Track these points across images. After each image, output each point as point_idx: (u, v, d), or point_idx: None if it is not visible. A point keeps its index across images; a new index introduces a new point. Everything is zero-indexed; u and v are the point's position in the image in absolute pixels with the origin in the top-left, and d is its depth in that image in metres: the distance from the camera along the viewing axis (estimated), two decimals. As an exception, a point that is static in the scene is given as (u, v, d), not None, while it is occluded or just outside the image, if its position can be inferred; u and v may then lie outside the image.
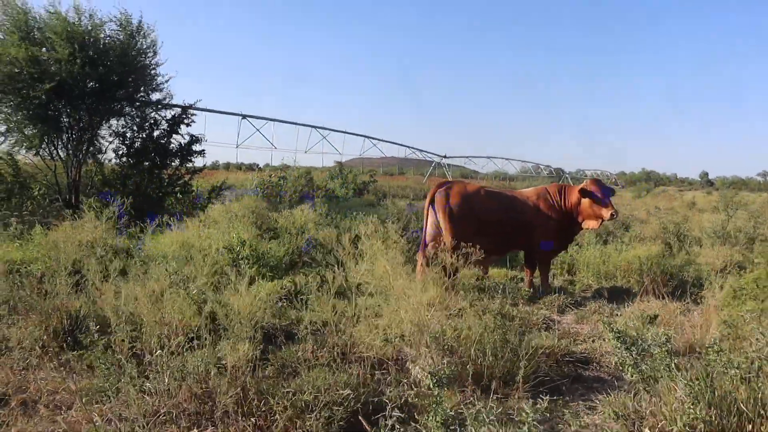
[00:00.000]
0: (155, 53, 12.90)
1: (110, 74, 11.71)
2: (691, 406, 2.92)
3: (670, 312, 6.08)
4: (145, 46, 12.63)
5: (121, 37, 12.22)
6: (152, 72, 12.98)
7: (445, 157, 58.33)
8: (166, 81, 13.27)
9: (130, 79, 12.33)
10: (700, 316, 5.78)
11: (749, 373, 3.12)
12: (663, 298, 6.82)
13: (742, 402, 2.99)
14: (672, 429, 2.94)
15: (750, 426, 2.91)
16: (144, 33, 12.56)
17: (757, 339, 3.31)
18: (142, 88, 12.90)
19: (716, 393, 3.02)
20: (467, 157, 68.42)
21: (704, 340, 4.59)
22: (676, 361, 3.37)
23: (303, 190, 17.42)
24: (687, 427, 2.91)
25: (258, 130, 37.48)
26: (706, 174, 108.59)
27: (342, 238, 5.79)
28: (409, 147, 56.05)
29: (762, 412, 2.91)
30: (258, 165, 51.91)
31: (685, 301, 6.93)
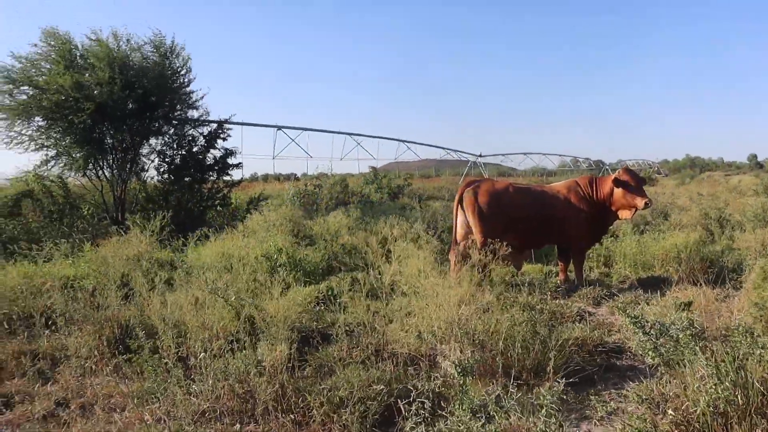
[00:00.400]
0: (188, 71, 13.36)
1: (148, 95, 12.17)
2: (714, 386, 2.98)
3: (708, 298, 6.04)
4: (177, 66, 13.09)
5: (156, 58, 12.70)
6: (187, 90, 13.45)
7: (480, 156, 57.88)
8: (201, 98, 13.73)
9: (167, 99, 12.79)
10: (738, 302, 5.75)
11: (776, 353, 3.16)
12: (701, 285, 6.76)
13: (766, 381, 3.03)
14: (696, 410, 3.01)
15: (775, 404, 2.96)
16: (177, 53, 13.02)
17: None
18: (178, 107, 13.35)
19: (740, 373, 3.07)
20: (503, 154, 67.66)
21: (733, 324, 4.59)
22: (702, 344, 3.43)
23: (339, 197, 17.68)
24: (711, 407, 2.97)
25: (293, 140, 37.94)
26: (755, 156, 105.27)
27: (370, 240, 5.97)
28: (443, 148, 55.78)
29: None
30: (295, 175, 52.54)
31: (725, 287, 6.88)
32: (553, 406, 2.71)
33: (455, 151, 56.92)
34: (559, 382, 2.98)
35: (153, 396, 3.81)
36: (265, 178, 51.92)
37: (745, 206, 11.91)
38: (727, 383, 3.01)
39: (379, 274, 5.42)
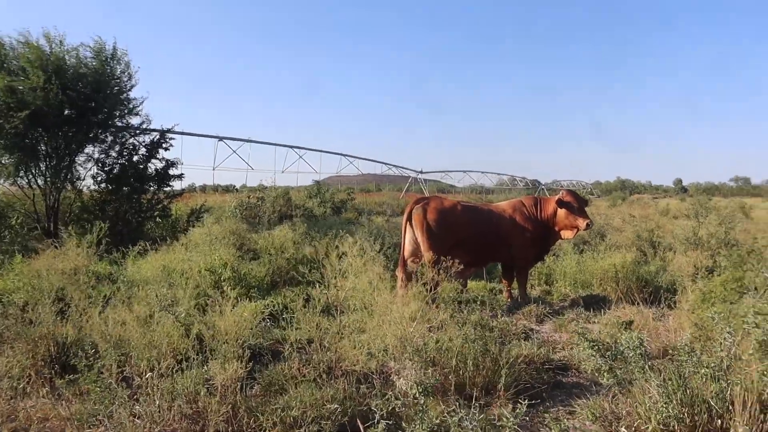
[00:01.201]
0: (130, 77, 12.97)
1: (86, 100, 11.74)
2: (664, 405, 3.07)
3: (645, 318, 6.25)
4: (119, 71, 12.68)
5: (95, 63, 12.26)
6: (128, 96, 13.02)
7: (421, 172, 58.64)
8: (141, 103, 13.33)
9: (106, 105, 12.34)
10: (674, 321, 5.98)
11: (718, 372, 3.28)
12: (638, 304, 6.99)
13: (711, 399, 3.15)
14: (647, 427, 3.09)
15: (719, 421, 3.07)
16: (118, 59, 12.61)
17: (724, 339, 3.47)
18: (117, 114, 12.89)
19: (688, 392, 3.18)
20: (443, 171, 68.98)
21: (677, 343, 4.75)
22: (650, 363, 3.53)
23: (281, 210, 17.47)
24: (661, 425, 3.07)
25: (234, 151, 37.53)
26: (680, 181, 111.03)
27: (320, 255, 5.90)
28: (385, 164, 56.31)
29: (730, 407, 3.07)
30: (235, 187, 51.79)
31: (659, 306, 7.15)
32: (517, 429, 2.73)
33: (396, 166, 57.47)
34: (521, 403, 3.00)
35: (95, 418, 3.62)
36: (204, 189, 50.93)
37: (676, 229, 12.43)
38: (675, 402, 3.11)
39: (329, 289, 5.35)
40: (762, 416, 2.99)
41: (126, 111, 13.10)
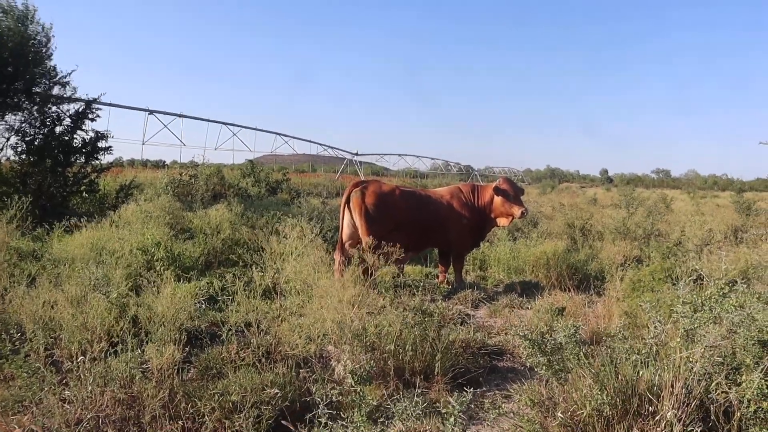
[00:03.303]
0: (48, 40, 12.21)
1: (3, 65, 11.03)
2: (598, 392, 3.19)
3: (576, 304, 6.48)
4: (34, 33, 11.92)
5: (10, 23, 11.47)
6: (49, 62, 12.27)
7: (357, 154, 58.49)
8: (68, 74, 12.61)
9: (27, 72, 11.59)
10: (603, 308, 6.22)
11: (648, 358, 3.43)
12: (569, 291, 7.24)
13: (642, 385, 3.29)
14: (582, 413, 3.20)
15: (649, 406, 3.21)
16: (32, 19, 11.85)
17: (654, 327, 3.63)
18: (38, 81, 12.14)
19: (620, 378, 3.31)
20: (379, 154, 68.96)
21: (608, 330, 4.95)
22: (584, 350, 3.65)
23: (215, 189, 17.05)
24: (595, 411, 3.18)
25: (166, 126, 36.19)
26: (606, 171, 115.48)
27: (259, 238, 5.81)
28: (320, 144, 55.78)
29: (659, 392, 3.21)
30: (165, 162, 50.24)
31: (589, 293, 7.43)
32: (462, 415, 2.77)
33: (332, 147, 57.07)
34: (467, 391, 3.05)
35: (20, 405, 3.44)
36: (132, 163, 49.18)
37: (605, 219, 12.92)
38: (608, 389, 3.24)
39: (266, 272, 5.28)
40: (687, 399, 3.14)
41: (49, 79, 12.36)
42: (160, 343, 3.91)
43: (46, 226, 8.66)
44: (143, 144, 34.53)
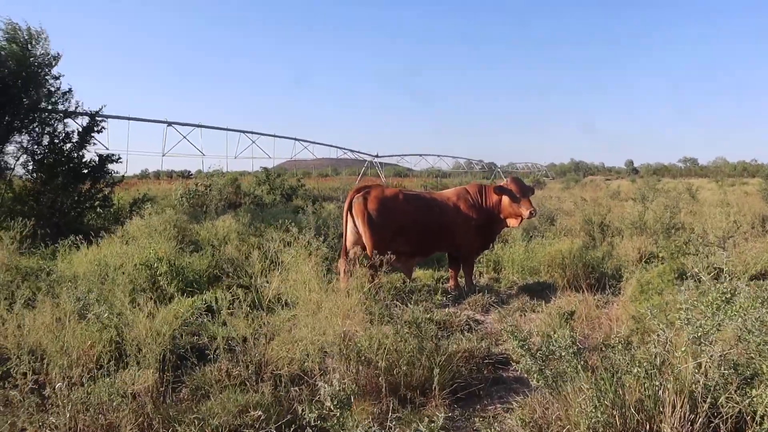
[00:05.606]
0: (55, 58, 12.27)
1: (8, 88, 11.09)
2: (593, 410, 2.94)
3: (588, 306, 6.18)
4: (38, 53, 11.97)
5: (14, 48, 11.54)
6: (53, 82, 12.37)
7: (377, 156, 58.32)
8: (68, 91, 12.67)
9: (31, 93, 11.68)
10: (616, 310, 5.93)
11: (652, 369, 3.16)
12: (583, 291, 6.93)
13: (644, 400, 3.03)
14: (576, 432, 2.96)
15: (650, 423, 2.96)
16: (36, 40, 11.89)
17: (657, 335, 3.36)
18: (44, 99, 12.20)
19: (619, 393, 3.05)
20: (400, 155, 68.76)
21: (614, 336, 4.66)
22: (585, 360, 3.40)
23: (230, 198, 17.00)
24: (590, 430, 2.93)
25: (185, 137, 36.50)
26: (632, 162, 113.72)
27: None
28: (340, 148, 55.75)
29: (661, 408, 2.96)
30: (189, 172, 50.71)
31: (604, 293, 7.10)
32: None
33: (352, 151, 57.05)
34: (438, 416, 2.81)
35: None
36: (158, 175, 49.76)
37: (624, 213, 12.49)
38: (606, 403, 2.99)
39: (262, 285, 5.12)
40: (692, 416, 2.89)
41: (53, 98, 12.41)
42: (138, 368, 3.76)
43: (56, 244, 8.63)
44: (163, 155, 34.88)
